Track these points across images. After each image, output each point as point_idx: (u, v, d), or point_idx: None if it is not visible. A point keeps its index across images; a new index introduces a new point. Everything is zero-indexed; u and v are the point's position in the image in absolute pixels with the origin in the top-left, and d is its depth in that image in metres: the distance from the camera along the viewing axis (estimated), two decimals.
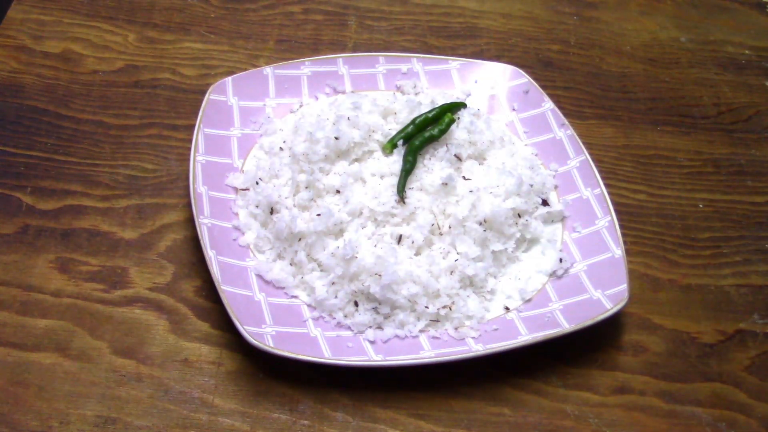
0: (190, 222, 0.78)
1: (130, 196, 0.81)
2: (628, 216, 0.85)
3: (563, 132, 0.86)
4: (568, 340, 0.73)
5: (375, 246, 0.74)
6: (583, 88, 0.98)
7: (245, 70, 0.89)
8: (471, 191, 0.77)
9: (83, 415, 0.67)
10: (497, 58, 0.98)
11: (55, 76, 0.90)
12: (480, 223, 0.76)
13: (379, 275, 0.71)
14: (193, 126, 0.82)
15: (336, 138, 0.78)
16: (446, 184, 0.77)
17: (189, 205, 0.78)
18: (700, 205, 0.88)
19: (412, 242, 0.75)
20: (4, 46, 0.92)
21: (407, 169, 0.78)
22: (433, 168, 0.79)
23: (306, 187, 0.77)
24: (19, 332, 0.71)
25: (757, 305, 0.80)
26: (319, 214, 0.75)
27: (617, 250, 0.77)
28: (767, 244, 0.85)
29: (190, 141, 0.81)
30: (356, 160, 0.80)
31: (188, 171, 0.78)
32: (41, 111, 0.87)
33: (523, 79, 0.90)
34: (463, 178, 0.79)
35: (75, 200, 0.80)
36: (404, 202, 0.76)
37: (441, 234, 0.76)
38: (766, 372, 0.76)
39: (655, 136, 0.94)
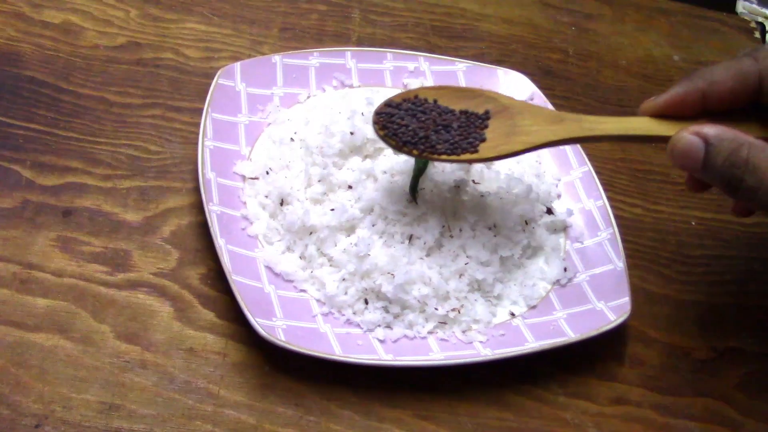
0: (195, 207, 0.76)
1: (132, 176, 0.79)
2: (624, 229, 0.86)
3: None
4: (569, 348, 0.73)
5: (385, 244, 0.74)
6: (581, 99, 0.99)
7: (249, 55, 0.88)
8: (482, 195, 0.78)
9: (86, 401, 0.65)
10: (498, 62, 0.98)
11: (54, 48, 0.87)
12: (490, 228, 0.76)
13: (392, 274, 0.71)
14: (197, 109, 0.80)
15: (351, 133, 0.77)
16: (458, 186, 0.77)
17: (194, 189, 0.76)
18: (693, 223, 0.90)
19: (423, 243, 0.75)
20: (1, 12, 0.89)
21: (419, 168, 0.78)
22: (444, 170, 0.79)
23: (319, 181, 0.76)
24: (18, 311, 0.69)
25: (746, 324, 0.82)
26: (332, 209, 0.74)
27: (619, 263, 0.78)
28: (755, 264, 0.87)
29: (194, 124, 0.79)
30: (368, 156, 0.79)
31: (196, 155, 0.76)
32: (40, 83, 0.84)
33: (530, 87, 0.91)
34: (473, 182, 0.79)
35: (76, 177, 0.78)
36: (416, 203, 0.76)
37: (451, 236, 0.76)
38: (754, 389, 0.78)
39: (651, 151, 0.95)
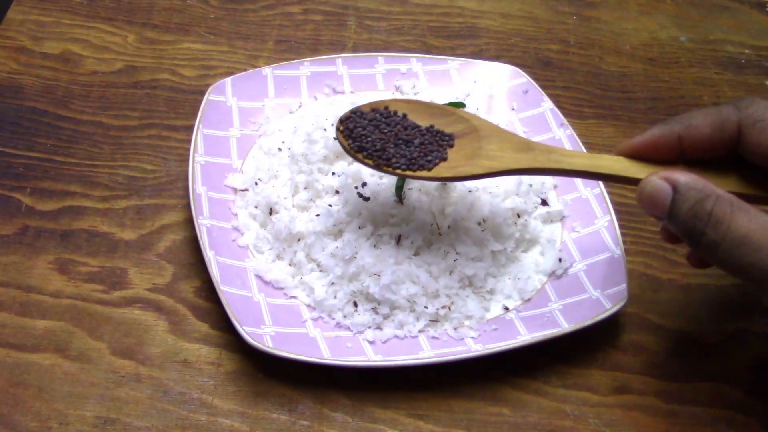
0: (190, 223, 0.78)
1: (129, 196, 0.81)
2: (628, 216, 0.85)
3: (563, 132, 0.86)
4: (568, 339, 0.72)
5: (374, 246, 0.74)
6: (582, 88, 0.98)
7: (244, 70, 0.89)
8: (470, 191, 0.77)
9: (82, 416, 0.67)
10: (497, 58, 0.98)
11: (54, 77, 0.90)
12: (479, 223, 0.76)
13: (378, 275, 0.71)
14: (193, 127, 0.82)
15: (335, 138, 0.78)
16: (445, 184, 0.77)
17: (188, 205, 0.77)
18: None
19: (411, 242, 0.75)
20: (4, 47, 0.93)
21: None
22: None
23: (305, 188, 0.77)
24: (18, 333, 0.71)
25: (757, 305, 0.80)
26: (318, 215, 0.75)
27: (616, 250, 0.77)
28: None
29: (189, 141, 0.81)
30: None
31: (187, 172, 0.78)
32: (40, 112, 0.87)
33: (523, 78, 0.90)
34: None
35: (74, 201, 0.80)
36: (402, 203, 0.76)
37: (440, 234, 0.76)
38: (766, 371, 0.76)
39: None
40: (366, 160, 0.70)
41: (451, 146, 0.70)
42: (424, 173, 0.69)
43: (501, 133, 0.71)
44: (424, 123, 0.72)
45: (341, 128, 0.71)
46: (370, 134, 0.71)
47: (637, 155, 0.67)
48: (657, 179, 0.62)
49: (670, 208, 0.61)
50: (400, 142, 0.70)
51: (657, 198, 0.62)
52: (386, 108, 0.72)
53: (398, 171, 0.70)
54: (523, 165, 0.69)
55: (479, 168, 0.69)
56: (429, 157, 0.70)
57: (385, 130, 0.71)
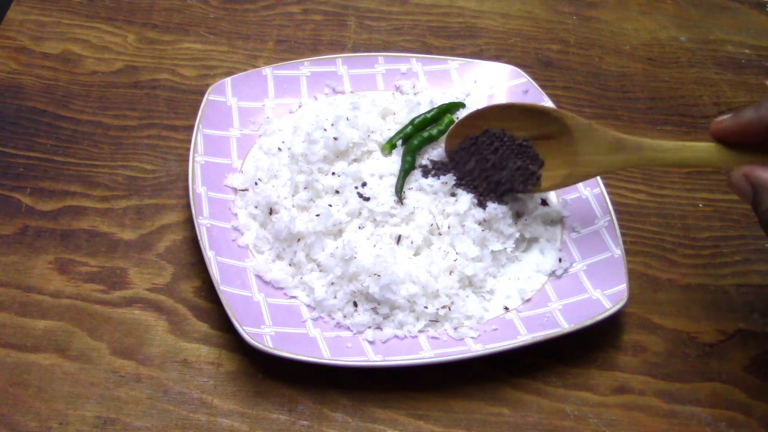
0: (190, 222, 0.78)
1: (129, 196, 0.81)
2: (627, 216, 0.85)
3: None
4: (568, 339, 0.72)
5: (374, 246, 0.74)
6: (582, 88, 0.98)
7: (244, 70, 0.89)
8: (470, 191, 0.77)
9: (82, 416, 0.67)
10: (497, 57, 0.98)
11: (54, 77, 0.90)
12: (479, 223, 0.76)
13: (378, 275, 0.71)
14: (193, 126, 0.82)
15: (335, 138, 0.78)
16: (445, 183, 0.77)
17: (188, 205, 0.77)
18: (700, 205, 0.88)
19: (411, 242, 0.75)
20: (3, 47, 0.93)
21: (406, 170, 0.78)
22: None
23: (305, 188, 0.77)
24: (18, 333, 0.71)
25: (757, 305, 0.80)
26: (318, 215, 0.75)
27: (616, 250, 0.77)
28: (767, 243, 0.85)
29: (189, 141, 0.81)
30: (355, 160, 0.80)
31: (187, 171, 0.78)
32: (40, 112, 0.87)
33: (523, 78, 0.90)
34: None
35: (74, 201, 0.80)
36: (402, 203, 0.76)
37: (440, 234, 0.76)
38: (766, 372, 0.76)
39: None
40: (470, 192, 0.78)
41: (542, 166, 0.77)
42: (522, 195, 0.79)
43: (594, 134, 0.74)
44: (521, 131, 0.77)
45: (450, 161, 0.80)
46: (471, 166, 0.78)
47: (730, 138, 0.68)
48: (738, 175, 0.65)
49: (753, 203, 0.64)
50: (501, 167, 0.77)
51: (740, 192, 0.65)
52: (486, 131, 0.78)
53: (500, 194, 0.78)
54: (616, 167, 0.74)
55: (573, 178, 0.76)
56: (530, 181, 0.77)
57: (486, 157, 0.78)
